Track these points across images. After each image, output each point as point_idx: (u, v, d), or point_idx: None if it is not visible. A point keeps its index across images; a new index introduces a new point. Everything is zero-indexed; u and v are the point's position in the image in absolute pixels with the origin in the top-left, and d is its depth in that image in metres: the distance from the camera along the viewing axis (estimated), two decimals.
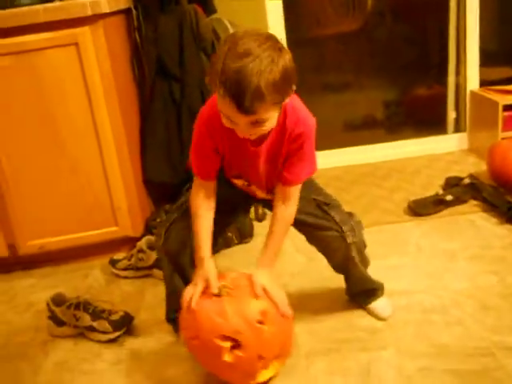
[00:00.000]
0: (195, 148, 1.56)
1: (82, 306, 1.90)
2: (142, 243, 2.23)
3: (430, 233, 2.35)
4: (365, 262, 1.83)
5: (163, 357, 1.78)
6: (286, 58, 1.29)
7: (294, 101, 1.46)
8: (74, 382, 1.72)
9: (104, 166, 2.27)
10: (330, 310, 1.90)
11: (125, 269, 2.26)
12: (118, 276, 2.27)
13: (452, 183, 2.68)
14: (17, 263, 2.43)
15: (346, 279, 1.87)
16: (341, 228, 1.67)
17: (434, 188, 2.70)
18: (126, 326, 1.88)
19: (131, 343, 1.87)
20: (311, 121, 1.50)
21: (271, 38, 1.29)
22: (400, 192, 2.77)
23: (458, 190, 2.59)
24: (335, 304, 1.92)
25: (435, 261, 2.13)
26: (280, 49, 1.29)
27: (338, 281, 1.89)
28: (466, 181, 2.63)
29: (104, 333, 1.86)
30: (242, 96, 1.24)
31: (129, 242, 2.38)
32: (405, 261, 2.16)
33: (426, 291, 1.94)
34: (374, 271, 1.88)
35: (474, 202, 2.55)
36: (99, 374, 1.74)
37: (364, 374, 1.60)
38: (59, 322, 1.93)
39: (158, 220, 2.41)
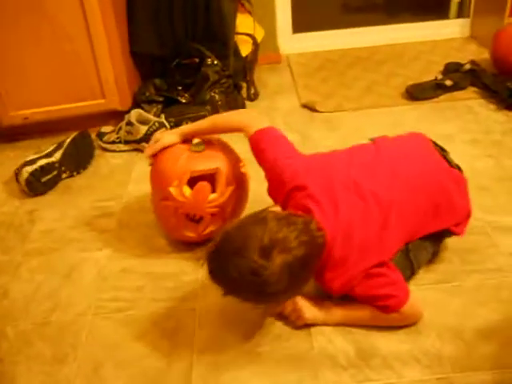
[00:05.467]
0: None
1: None
2: (131, 116, 2.15)
3: (427, 117, 2.29)
4: None
5: (153, 228, 1.75)
6: None
7: None
8: (62, 249, 1.70)
9: (89, 33, 2.14)
10: None
11: (112, 142, 2.19)
12: (105, 150, 2.21)
13: (452, 69, 2.59)
14: (1, 135, 2.35)
15: None
16: None
17: (433, 74, 2.59)
18: None
19: (119, 214, 1.84)
20: None
21: None
22: (397, 77, 2.68)
23: (458, 76, 2.50)
24: None
25: None
26: None
27: None
28: (467, 67, 2.53)
29: None
30: None
31: (117, 116, 2.28)
32: None
33: None
34: None
35: (473, 89, 2.48)
36: (88, 241, 1.72)
37: None
38: None
39: (147, 94, 2.31)
